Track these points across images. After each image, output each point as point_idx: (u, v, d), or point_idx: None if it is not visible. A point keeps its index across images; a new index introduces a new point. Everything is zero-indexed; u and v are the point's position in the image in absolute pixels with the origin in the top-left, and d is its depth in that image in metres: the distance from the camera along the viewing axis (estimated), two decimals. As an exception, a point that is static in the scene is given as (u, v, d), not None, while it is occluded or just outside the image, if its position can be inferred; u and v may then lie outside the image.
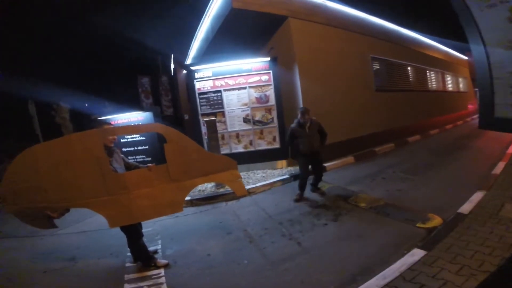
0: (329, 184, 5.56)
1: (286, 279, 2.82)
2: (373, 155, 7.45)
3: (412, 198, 4.43)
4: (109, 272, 3.35)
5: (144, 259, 3.34)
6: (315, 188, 5.16)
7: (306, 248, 3.36)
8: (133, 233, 3.27)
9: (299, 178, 5.01)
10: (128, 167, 3.44)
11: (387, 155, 7.26)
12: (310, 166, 4.89)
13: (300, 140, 4.71)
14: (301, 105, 6.67)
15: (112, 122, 6.78)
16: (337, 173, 6.30)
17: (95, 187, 3.02)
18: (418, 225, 3.43)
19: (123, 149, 6.76)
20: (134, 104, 9.58)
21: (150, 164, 3.35)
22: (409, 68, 10.76)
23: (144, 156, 6.85)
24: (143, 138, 6.75)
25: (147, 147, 6.80)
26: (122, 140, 6.85)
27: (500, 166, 5.11)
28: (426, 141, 8.44)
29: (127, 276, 3.18)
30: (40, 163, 2.93)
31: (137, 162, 6.48)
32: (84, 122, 11.34)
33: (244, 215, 4.68)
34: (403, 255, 2.73)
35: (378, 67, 8.44)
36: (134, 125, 3.43)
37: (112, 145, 3.27)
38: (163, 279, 3.08)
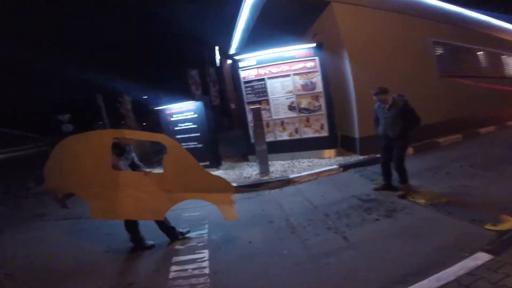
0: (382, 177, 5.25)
1: (327, 274, 2.79)
2: (436, 147, 6.79)
3: (481, 196, 3.91)
4: (160, 253, 3.70)
5: (135, 239, 3.76)
6: (385, 182, 4.68)
7: (352, 243, 3.27)
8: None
9: None
10: (135, 167, 3.78)
11: (452, 147, 6.55)
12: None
13: (379, 121, 4.46)
14: (352, 92, 6.43)
15: (167, 112, 7.55)
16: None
17: (92, 179, 3.38)
18: (487, 226, 3.07)
19: (177, 136, 7.32)
20: (185, 95, 10.46)
21: (148, 170, 3.69)
22: (479, 53, 9.76)
23: (195, 143, 7.34)
24: (195, 126, 7.24)
25: (198, 134, 7.26)
26: (176, 128, 7.47)
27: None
28: (501, 133, 7.35)
29: (175, 258, 3.49)
30: (66, 151, 3.47)
31: (189, 148, 7.06)
32: (143, 112, 12.64)
33: (287, 205, 4.71)
34: (464, 258, 2.51)
35: (441, 52, 7.68)
36: (142, 132, 3.83)
37: (128, 148, 3.67)
38: (206, 263, 3.31)
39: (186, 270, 3.22)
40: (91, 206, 3.42)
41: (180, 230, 3.99)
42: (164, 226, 3.82)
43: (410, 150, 6.54)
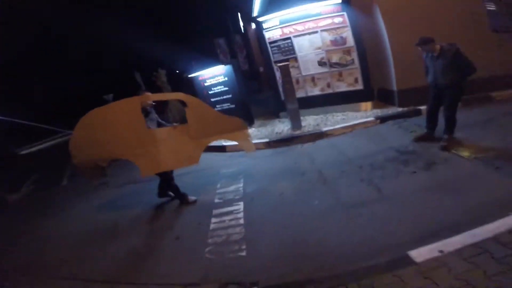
0: (423, 128, 4.86)
1: (356, 224, 2.79)
2: (489, 101, 6.01)
3: None
4: (202, 207, 4.00)
5: (179, 196, 4.15)
6: (427, 132, 4.43)
7: (386, 195, 3.18)
8: (166, 177, 4.03)
9: None
10: (160, 125, 4.05)
11: (508, 102, 5.78)
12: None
13: (429, 70, 4.17)
14: (387, 47, 5.98)
15: (200, 78, 7.78)
16: (435, 117, 5.44)
17: (133, 142, 3.66)
18: None
19: (211, 99, 7.70)
20: (215, 62, 10.55)
21: (175, 124, 4.11)
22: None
23: (228, 104, 7.56)
24: (227, 88, 7.39)
25: (230, 96, 7.44)
26: (210, 92, 7.73)
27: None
28: None
29: (214, 211, 3.75)
30: (96, 123, 3.60)
31: (223, 110, 7.34)
32: (178, 83, 13.10)
33: (320, 158, 4.67)
34: (506, 216, 2.28)
35: (494, 7, 6.58)
36: (163, 93, 4.11)
37: (149, 108, 3.89)
38: (241, 214, 3.52)
39: (224, 221, 3.46)
40: (139, 165, 3.74)
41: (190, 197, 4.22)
42: (176, 191, 4.15)
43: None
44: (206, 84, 7.70)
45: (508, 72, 6.42)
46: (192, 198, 4.16)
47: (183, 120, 10.19)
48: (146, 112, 3.81)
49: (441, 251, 2.07)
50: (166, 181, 4.09)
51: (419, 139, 4.40)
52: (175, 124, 4.13)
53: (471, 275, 1.83)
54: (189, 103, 3.91)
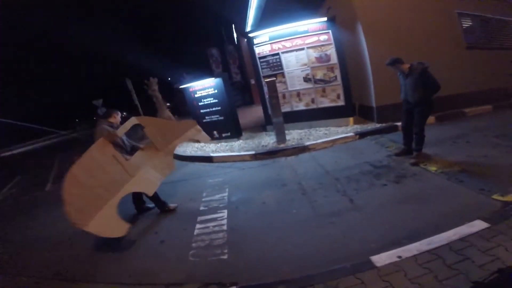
0: (398, 143, 5.12)
1: (329, 231, 2.97)
2: (461, 117, 6.38)
3: (498, 166, 3.63)
4: (187, 214, 4.12)
5: (159, 205, 4.27)
6: (404, 148, 4.63)
7: (357, 205, 3.38)
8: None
9: None
10: (133, 146, 4.22)
11: (479, 118, 6.10)
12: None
13: (401, 88, 4.41)
14: (368, 64, 6.27)
15: (191, 89, 7.88)
16: (411, 133, 5.73)
17: (122, 176, 3.75)
18: (494, 197, 2.92)
19: (201, 111, 7.86)
20: (207, 72, 10.68)
21: (140, 145, 4.30)
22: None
23: (217, 116, 7.65)
24: (216, 100, 7.50)
25: (219, 108, 7.54)
26: (199, 104, 7.82)
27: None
28: None
29: (199, 218, 3.89)
30: (82, 178, 3.38)
31: (212, 121, 7.61)
32: (169, 91, 13.25)
33: (301, 170, 4.86)
34: (462, 225, 2.48)
35: (470, 23, 6.97)
36: (122, 125, 4.00)
37: (117, 140, 3.87)
38: (225, 221, 3.67)
39: (208, 227, 3.60)
40: (141, 190, 4.01)
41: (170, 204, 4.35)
42: (157, 200, 4.25)
43: (432, 119, 6.25)
44: (196, 95, 7.81)
45: (481, 88, 6.79)
46: (172, 205, 4.29)
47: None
48: (116, 145, 3.84)
49: (399, 257, 2.25)
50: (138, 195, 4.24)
51: (398, 154, 4.62)
52: (140, 145, 4.31)
53: (424, 280, 2.00)
54: (144, 124, 4.21)
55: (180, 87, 8.22)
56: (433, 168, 3.94)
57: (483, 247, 2.16)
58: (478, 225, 2.42)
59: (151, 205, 4.38)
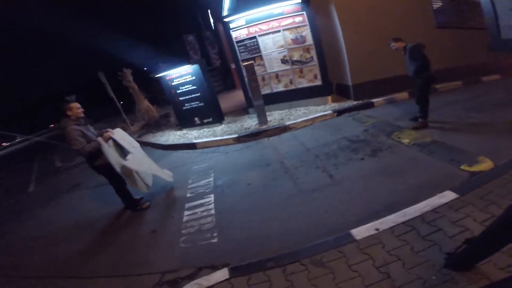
0: (374, 118, 5.18)
1: (312, 207, 2.99)
2: (433, 93, 6.41)
3: (467, 137, 3.70)
4: (175, 202, 4.06)
5: (130, 205, 4.06)
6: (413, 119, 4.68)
7: (337, 180, 3.40)
8: (117, 184, 3.89)
9: None
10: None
11: (451, 93, 6.18)
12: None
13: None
14: (342, 44, 6.18)
15: (168, 77, 7.50)
16: (386, 109, 5.74)
17: None
18: (462, 167, 2.96)
19: (180, 98, 7.56)
20: (184, 59, 10.09)
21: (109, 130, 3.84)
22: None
23: (198, 102, 7.38)
24: (195, 87, 7.23)
25: (199, 94, 7.27)
26: (178, 91, 7.50)
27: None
28: (505, 80, 6.85)
29: (187, 205, 3.83)
30: None
31: (192, 107, 7.39)
32: (146, 81, 12.51)
33: (283, 149, 4.83)
34: (434, 196, 2.51)
35: (440, 4, 6.91)
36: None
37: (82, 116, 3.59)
38: (212, 206, 3.63)
39: (196, 213, 3.56)
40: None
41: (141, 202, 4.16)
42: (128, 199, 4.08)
43: (404, 95, 6.31)
44: (173, 83, 7.47)
45: (451, 65, 6.88)
46: (146, 203, 4.10)
47: (150, 119, 9.93)
48: (80, 120, 3.59)
49: (377, 229, 2.27)
50: (119, 188, 3.94)
51: (411, 119, 4.69)
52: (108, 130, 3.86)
53: (401, 252, 2.02)
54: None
55: (156, 76, 7.83)
56: (406, 140, 3.98)
57: (453, 217, 2.19)
58: (448, 195, 2.44)
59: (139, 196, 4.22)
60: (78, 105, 3.56)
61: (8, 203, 6.72)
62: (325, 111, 6.03)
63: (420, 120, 4.47)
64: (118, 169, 3.58)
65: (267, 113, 6.51)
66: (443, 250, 1.92)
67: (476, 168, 2.92)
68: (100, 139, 3.55)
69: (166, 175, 4.32)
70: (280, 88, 7.00)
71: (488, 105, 4.81)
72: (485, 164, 2.93)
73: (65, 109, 3.46)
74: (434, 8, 6.88)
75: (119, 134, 3.90)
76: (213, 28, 15.98)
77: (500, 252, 1.65)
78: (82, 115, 3.58)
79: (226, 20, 6.88)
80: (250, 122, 6.65)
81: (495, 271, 1.67)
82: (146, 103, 9.88)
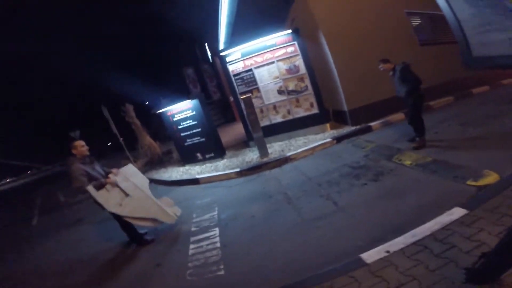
0: (373, 143, 5.20)
1: (316, 235, 2.90)
2: (428, 110, 6.56)
3: (468, 153, 3.70)
4: (180, 236, 3.99)
5: (135, 239, 4.01)
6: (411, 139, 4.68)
7: (341, 207, 3.32)
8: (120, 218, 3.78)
9: None
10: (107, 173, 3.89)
11: (444, 109, 6.32)
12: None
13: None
14: (334, 70, 6.38)
15: (169, 113, 7.57)
16: (384, 132, 5.80)
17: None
18: (468, 182, 2.91)
19: (181, 134, 7.57)
20: (185, 93, 10.29)
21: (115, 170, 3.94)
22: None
23: (199, 137, 7.40)
24: (195, 122, 7.28)
25: (200, 129, 7.31)
26: (179, 127, 7.54)
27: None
28: (495, 91, 7.02)
29: (192, 238, 3.77)
30: None
31: (193, 143, 7.39)
32: (148, 116, 12.65)
33: (285, 180, 4.79)
34: (441, 214, 2.44)
35: (419, 21, 7.31)
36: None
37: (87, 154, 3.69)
38: (217, 239, 3.55)
39: (201, 246, 3.48)
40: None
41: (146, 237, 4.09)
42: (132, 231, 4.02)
43: (400, 116, 6.38)
44: (174, 119, 7.52)
45: (440, 81, 7.05)
46: (148, 238, 4.02)
47: (153, 156, 9.89)
48: (86, 159, 3.66)
49: (387, 252, 2.18)
50: (123, 222, 3.82)
51: (410, 140, 4.69)
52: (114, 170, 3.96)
53: (416, 271, 1.93)
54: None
55: (158, 111, 7.90)
56: (408, 162, 3.95)
57: (466, 233, 2.12)
58: (457, 212, 2.38)
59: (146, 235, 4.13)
60: (82, 143, 3.63)
61: (11, 236, 6.64)
62: (324, 139, 6.06)
63: (417, 139, 4.48)
64: (115, 212, 3.56)
65: (268, 145, 6.55)
66: (460, 266, 1.84)
67: (482, 182, 2.87)
68: (90, 188, 3.47)
69: (169, 217, 4.01)
70: (279, 119, 7.06)
71: (482, 118, 4.90)
72: (491, 177, 2.89)
73: (70, 147, 3.54)
74: (414, 26, 7.20)
75: (127, 171, 3.93)
76: (211, 61, 16.27)
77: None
78: (87, 153, 3.64)
79: (222, 54, 7.05)
80: (251, 155, 6.67)
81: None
82: (148, 139, 9.93)
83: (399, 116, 6.35)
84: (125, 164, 4.30)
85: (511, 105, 5.38)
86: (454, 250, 2.00)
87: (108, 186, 3.62)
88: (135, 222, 3.76)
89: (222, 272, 2.82)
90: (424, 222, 2.40)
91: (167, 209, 4.02)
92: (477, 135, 4.23)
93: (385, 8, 6.70)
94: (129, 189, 3.80)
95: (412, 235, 2.27)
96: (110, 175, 3.77)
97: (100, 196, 3.51)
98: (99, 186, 3.55)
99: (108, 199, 3.56)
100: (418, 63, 6.83)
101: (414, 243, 2.19)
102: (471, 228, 2.16)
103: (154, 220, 3.87)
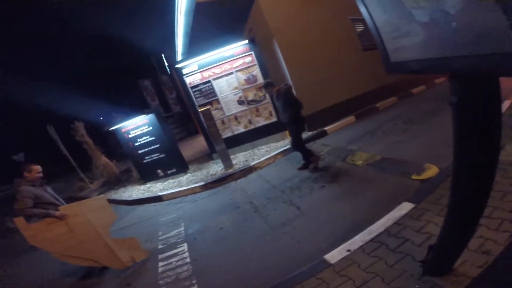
0: (328, 146, 5.50)
1: (284, 241, 2.97)
2: (375, 111, 7.15)
3: (411, 148, 4.06)
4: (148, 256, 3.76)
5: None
6: (303, 164, 4.71)
7: (304, 211, 3.45)
8: None
9: None
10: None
11: (389, 109, 6.91)
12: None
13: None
14: (288, 77, 6.55)
15: (123, 130, 7.06)
16: (338, 135, 6.15)
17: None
18: (413, 177, 3.17)
19: (139, 152, 7.09)
20: (143, 107, 9.74)
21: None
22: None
23: (158, 154, 7.03)
24: (153, 138, 6.91)
25: (158, 145, 6.96)
26: (136, 144, 7.05)
27: (506, 104, 4.32)
28: (431, 90, 7.87)
29: (160, 256, 3.64)
30: None
31: (153, 160, 6.98)
32: (102, 134, 11.69)
33: (250, 190, 4.82)
34: (392, 209, 2.59)
35: (362, 28, 7.94)
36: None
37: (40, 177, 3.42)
38: (186, 254, 3.47)
39: (171, 263, 3.38)
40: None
41: None
42: None
43: (351, 119, 6.86)
44: (130, 135, 7.01)
45: (383, 84, 7.68)
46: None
47: (110, 175, 9.23)
48: (38, 182, 3.39)
49: (348, 250, 2.30)
50: None
51: (301, 168, 4.74)
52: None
53: (377, 267, 2.04)
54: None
55: (111, 128, 7.25)
56: (359, 162, 4.25)
57: (416, 226, 2.27)
58: (406, 206, 2.55)
59: None
60: (39, 168, 3.35)
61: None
62: (284, 147, 6.21)
63: (311, 165, 4.55)
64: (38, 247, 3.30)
65: (232, 156, 6.53)
66: (416, 259, 1.96)
67: (424, 175, 3.15)
68: (18, 220, 3.08)
69: (116, 263, 3.51)
70: (241, 129, 7.05)
71: (422, 114, 5.47)
72: (431, 171, 3.17)
73: (24, 169, 3.24)
74: (358, 32, 7.78)
75: (92, 205, 3.58)
76: (169, 72, 15.09)
77: (472, 251, 1.76)
78: (38, 178, 3.35)
79: (178, 66, 6.81)
80: (216, 168, 6.58)
81: (473, 269, 1.71)
82: (103, 159, 9.20)
83: (351, 119, 6.83)
84: (81, 187, 3.98)
85: (445, 101, 6.02)
86: (408, 244, 2.15)
87: (48, 219, 3.21)
88: (68, 260, 3.41)
89: (195, 287, 2.77)
90: (378, 218, 2.56)
91: (122, 253, 3.54)
92: (418, 132, 4.69)
93: (333, 16, 7.14)
94: (76, 225, 3.34)
95: (369, 232, 2.43)
96: (60, 208, 3.36)
97: (29, 229, 3.13)
98: (44, 216, 3.18)
99: (36, 233, 3.17)
100: (363, 67, 7.47)
101: (372, 240, 2.33)
102: (420, 221, 2.32)
103: (95, 261, 3.49)
